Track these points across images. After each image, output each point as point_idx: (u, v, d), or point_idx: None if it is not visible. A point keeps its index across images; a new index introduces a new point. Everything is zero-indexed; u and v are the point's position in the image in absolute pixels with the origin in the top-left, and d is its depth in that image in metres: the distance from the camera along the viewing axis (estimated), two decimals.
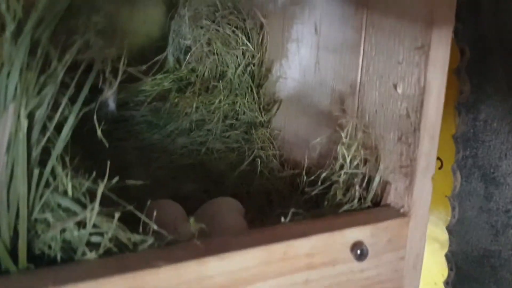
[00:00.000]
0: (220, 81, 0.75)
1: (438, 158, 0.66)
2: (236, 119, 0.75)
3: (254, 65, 0.74)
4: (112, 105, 0.46)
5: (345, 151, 0.54)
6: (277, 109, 0.73)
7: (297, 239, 0.47)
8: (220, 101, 0.74)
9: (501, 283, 0.64)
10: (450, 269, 0.71)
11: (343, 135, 0.54)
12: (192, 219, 0.45)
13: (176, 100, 0.75)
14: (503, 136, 0.62)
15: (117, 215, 0.42)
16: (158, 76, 0.78)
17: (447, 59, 0.50)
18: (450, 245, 0.70)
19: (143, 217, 0.44)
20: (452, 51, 0.50)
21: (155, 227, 0.44)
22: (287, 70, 0.71)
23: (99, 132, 0.44)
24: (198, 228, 0.45)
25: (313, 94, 0.65)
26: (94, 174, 0.42)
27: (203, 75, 0.77)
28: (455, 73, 0.66)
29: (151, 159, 0.69)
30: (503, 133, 0.62)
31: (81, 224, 0.41)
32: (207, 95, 0.75)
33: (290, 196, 0.64)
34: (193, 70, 0.78)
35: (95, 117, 0.44)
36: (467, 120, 0.65)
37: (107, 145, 0.44)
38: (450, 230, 0.70)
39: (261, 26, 0.74)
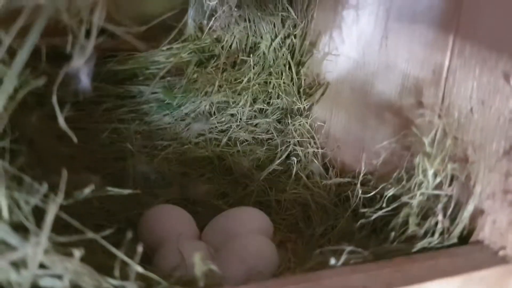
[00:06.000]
0: (251, 55, 0.65)
1: None
2: (268, 103, 0.64)
3: (295, 37, 0.63)
4: (85, 79, 0.31)
5: (427, 165, 0.38)
6: (322, 94, 0.61)
7: None
8: (249, 80, 0.64)
9: None
10: None
11: (425, 142, 0.38)
12: (198, 256, 0.30)
13: (195, 75, 0.65)
14: None
15: (78, 252, 0.27)
16: (175, 45, 0.67)
17: None
18: None
19: (120, 255, 0.29)
20: None
21: (141, 269, 0.29)
22: (340, 46, 0.59)
23: (60, 120, 0.28)
24: (206, 270, 0.30)
25: (375, 79, 0.52)
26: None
27: (230, 46, 0.66)
28: None
29: (157, 148, 0.60)
30: None
31: (22, 264, 0.26)
32: (233, 71, 0.65)
33: (336, 213, 0.51)
34: (217, 40, 0.67)
35: (54, 97, 0.29)
36: None
37: (74, 139, 0.29)
38: None
39: None
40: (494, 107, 0.39)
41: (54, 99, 0.29)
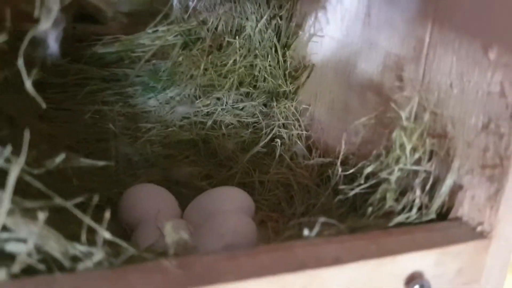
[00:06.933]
0: (237, 38, 0.63)
1: None
2: (254, 86, 0.63)
3: (281, 18, 0.62)
4: (53, 45, 0.30)
5: (404, 139, 0.38)
6: (307, 77, 0.60)
7: (327, 267, 0.32)
8: (234, 63, 0.62)
9: None
10: None
11: (402, 115, 0.38)
12: (168, 226, 0.30)
13: (180, 58, 0.64)
14: None
15: (42, 214, 0.26)
16: (160, 28, 0.66)
17: None
18: None
19: (87, 221, 0.28)
20: None
21: (108, 235, 0.28)
22: (325, 26, 0.57)
23: (27, 85, 0.28)
24: (176, 240, 0.30)
25: (358, 59, 0.52)
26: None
27: (216, 28, 0.65)
28: None
29: (140, 130, 0.59)
30: None
31: None
32: (219, 54, 0.64)
33: (318, 193, 0.50)
34: (203, 22, 0.66)
35: (20, 60, 0.28)
36: None
37: (43, 105, 0.29)
38: None
39: None
40: (473, 80, 0.39)
41: (21, 61, 0.29)
